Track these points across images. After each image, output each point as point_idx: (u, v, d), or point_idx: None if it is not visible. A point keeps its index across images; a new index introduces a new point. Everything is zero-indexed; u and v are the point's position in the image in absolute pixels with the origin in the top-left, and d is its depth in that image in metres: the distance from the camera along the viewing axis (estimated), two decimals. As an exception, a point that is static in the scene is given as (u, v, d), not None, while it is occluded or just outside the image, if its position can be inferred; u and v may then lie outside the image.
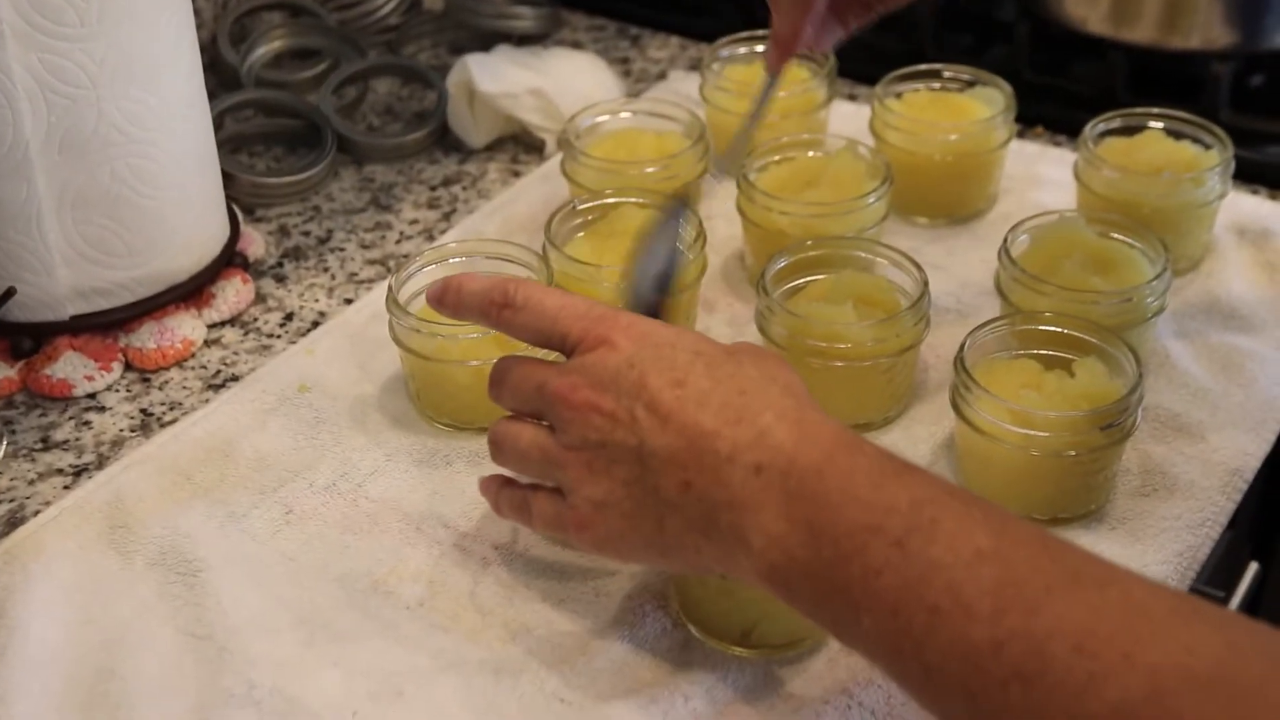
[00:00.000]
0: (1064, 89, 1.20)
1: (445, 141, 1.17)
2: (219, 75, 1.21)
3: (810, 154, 1.02)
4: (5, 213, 0.90)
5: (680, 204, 0.86)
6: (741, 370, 0.68)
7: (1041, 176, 1.10)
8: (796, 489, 0.63)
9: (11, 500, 0.85)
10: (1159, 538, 0.81)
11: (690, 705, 0.72)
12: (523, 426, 0.73)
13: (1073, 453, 0.78)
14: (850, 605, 0.61)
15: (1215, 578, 0.88)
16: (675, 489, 0.66)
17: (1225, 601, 0.98)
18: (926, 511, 0.60)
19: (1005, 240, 0.91)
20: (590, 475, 0.69)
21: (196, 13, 0.95)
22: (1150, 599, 0.57)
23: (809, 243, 0.91)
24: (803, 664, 0.74)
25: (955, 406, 0.80)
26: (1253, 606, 1.00)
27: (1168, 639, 0.54)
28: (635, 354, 0.68)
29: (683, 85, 1.22)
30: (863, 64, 1.19)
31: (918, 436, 0.88)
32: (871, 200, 0.95)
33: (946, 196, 1.05)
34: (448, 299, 0.76)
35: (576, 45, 1.29)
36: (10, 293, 0.92)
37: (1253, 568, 1.01)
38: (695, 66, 1.25)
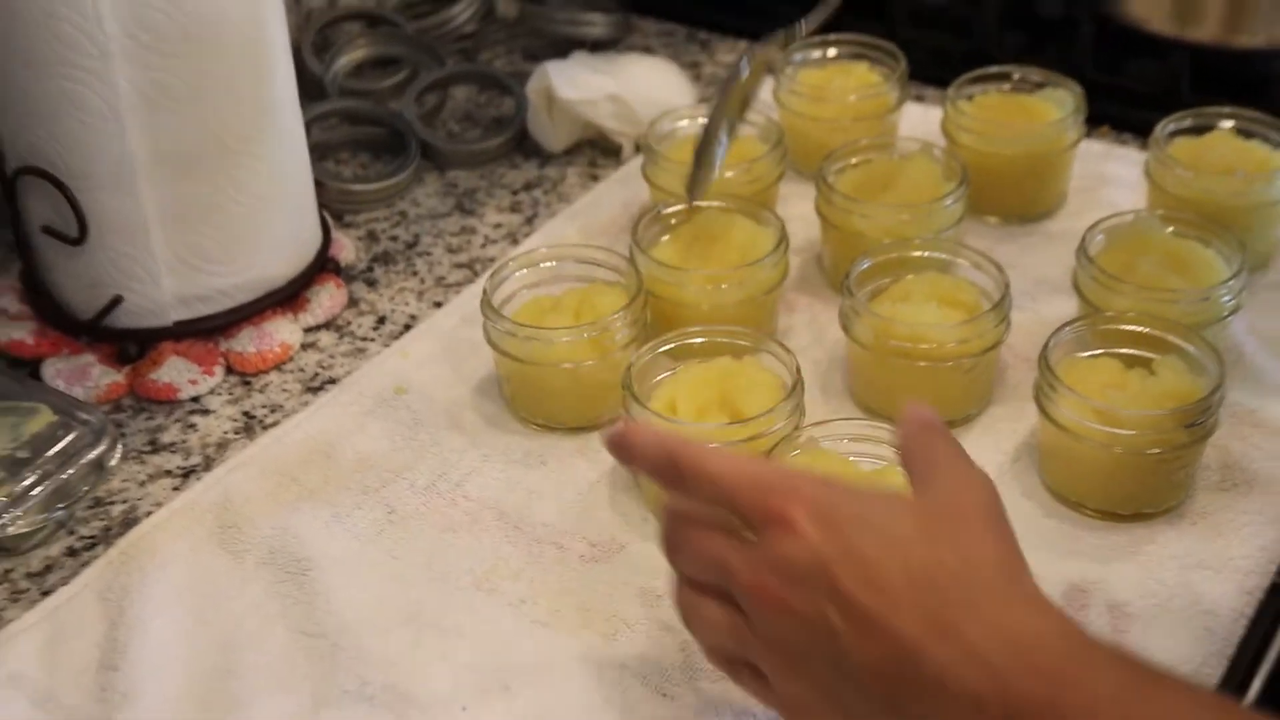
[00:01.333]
0: (1127, 88, 1.19)
1: (524, 146, 1.17)
2: (304, 85, 1.19)
3: (885, 157, 1.02)
4: (112, 224, 0.91)
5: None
6: (939, 558, 0.60)
7: (1109, 175, 1.09)
8: None
9: (124, 501, 0.86)
10: (1240, 532, 0.81)
11: None
12: (709, 604, 0.65)
13: (1156, 451, 0.78)
14: None
15: None
16: (882, 705, 0.59)
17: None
18: None
19: (1083, 240, 0.91)
20: (789, 670, 0.63)
21: None
22: None
23: (890, 244, 0.91)
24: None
25: (1040, 404, 0.80)
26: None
27: None
28: (821, 548, 0.60)
29: (753, 89, 1.21)
30: (928, 67, 1.19)
31: (1000, 434, 0.87)
32: (949, 202, 0.95)
33: (1018, 196, 1.05)
34: (616, 451, 0.69)
35: (648, 50, 1.29)
36: (117, 300, 0.93)
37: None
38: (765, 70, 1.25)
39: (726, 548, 0.63)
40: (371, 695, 0.73)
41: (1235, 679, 0.76)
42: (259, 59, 0.92)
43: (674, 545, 0.67)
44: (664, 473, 0.66)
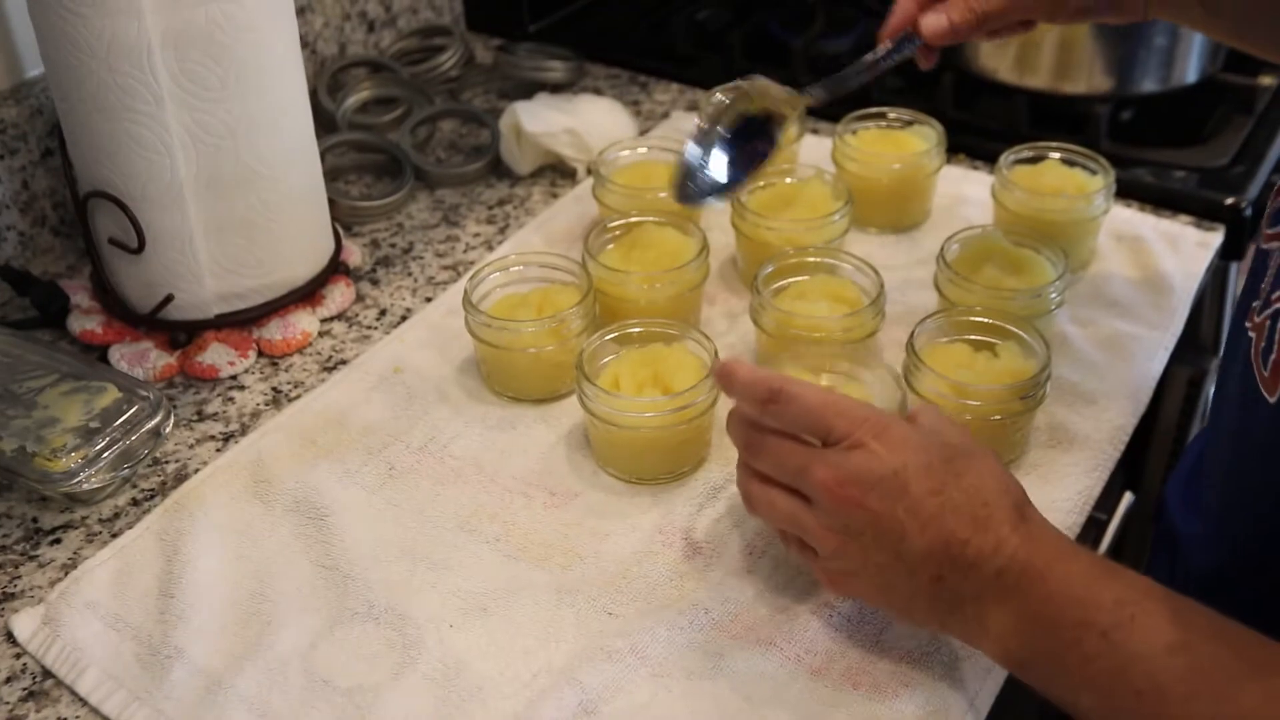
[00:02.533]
0: (979, 124, 1.20)
1: (498, 170, 1.17)
2: (319, 120, 1.19)
3: (787, 180, 1.02)
4: (165, 237, 0.91)
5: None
6: (982, 483, 0.65)
7: (965, 195, 1.10)
8: (1027, 590, 0.62)
9: (177, 461, 0.86)
10: (1064, 480, 0.82)
11: (709, 615, 0.73)
12: (777, 494, 0.68)
13: (998, 417, 0.79)
14: (1071, 685, 0.61)
15: (1101, 505, 0.89)
16: (927, 581, 0.64)
17: (1106, 523, 0.99)
18: (1127, 609, 0.60)
19: (942, 248, 0.91)
20: (845, 552, 0.66)
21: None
22: None
23: (790, 251, 0.92)
24: (792, 579, 0.75)
25: (907, 381, 0.81)
26: (1125, 526, 1.01)
27: None
28: (899, 463, 0.64)
29: (682, 123, 1.21)
30: (825, 106, 1.19)
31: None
32: (837, 218, 0.96)
33: (892, 212, 1.05)
34: (722, 382, 0.70)
35: (598, 91, 1.29)
36: (169, 299, 0.93)
37: (1127, 497, 1.02)
38: (692, 107, 1.25)
39: (807, 455, 0.66)
40: (376, 615, 0.73)
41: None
42: (283, 102, 0.91)
43: (754, 448, 0.69)
44: (764, 399, 0.67)
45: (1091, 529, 0.91)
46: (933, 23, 0.86)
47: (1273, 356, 0.67)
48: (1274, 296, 0.69)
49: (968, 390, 0.79)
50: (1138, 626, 0.59)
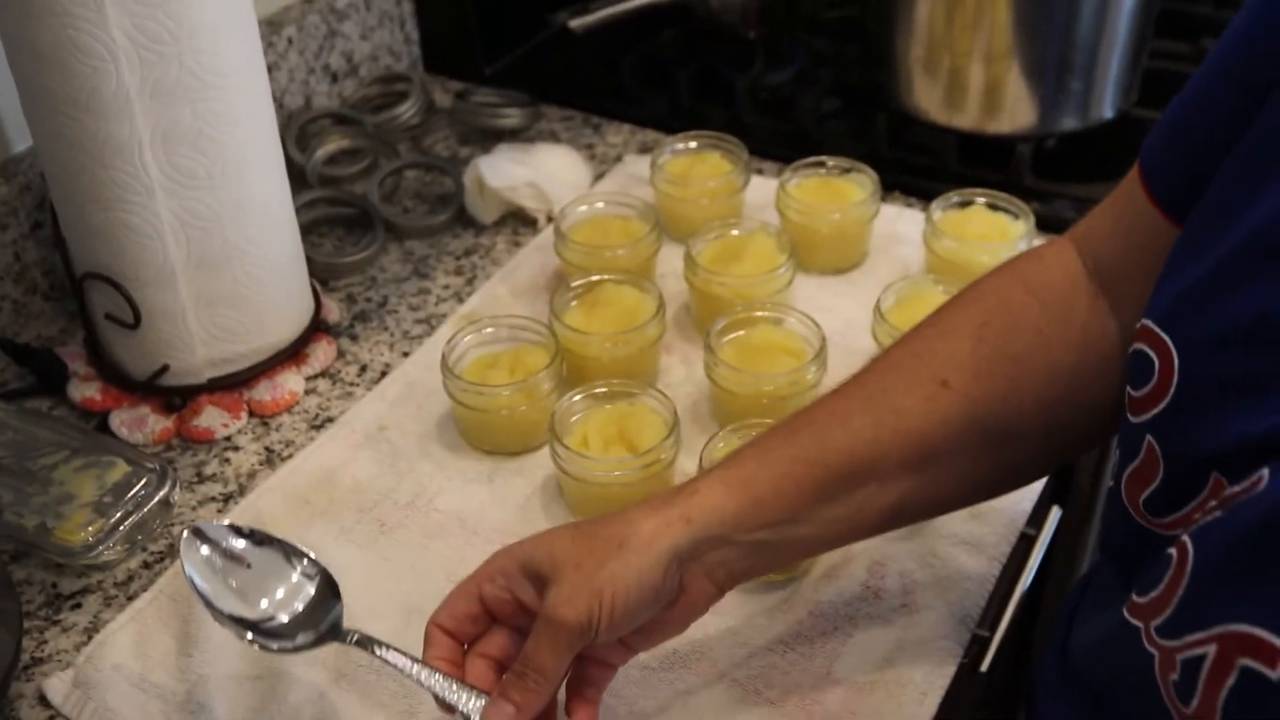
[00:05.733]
0: (913, 161, 1.27)
1: (463, 219, 1.23)
2: (289, 172, 1.24)
3: (734, 232, 1.09)
4: (158, 312, 0.97)
5: None
6: None
7: (900, 234, 1.17)
8: None
9: (183, 522, 0.93)
10: (989, 516, 0.91)
11: (676, 654, 0.81)
12: None
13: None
14: None
15: (1030, 521, 0.96)
16: None
17: (1034, 539, 1.08)
18: None
19: (878, 301, 0.99)
20: None
21: None
22: None
23: (739, 308, 1.00)
24: (751, 618, 0.84)
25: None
26: (1054, 541, 1.10)
27: None
28: None
29: (635, 168, 1.28)
30: (764, 144, 1.28)
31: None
32: (782, 271, 1.04)
33: (832, 256, 1.13)
34: None
35: (553, 134, 1.36)
36: (164, 368, 1.00)
37: (1055, 512, 1.11)
38: (642, 149, 1.32)
39: None
40: (378, 667, 0.80)
41: (986, 622, 0.88)
42: (265, 183, 0.98)
43: None
44: None
45: (1022, 545, 1.00)
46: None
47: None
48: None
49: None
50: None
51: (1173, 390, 0.60)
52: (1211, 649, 0.53)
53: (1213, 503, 0.58)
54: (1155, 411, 0.62)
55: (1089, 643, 0.72)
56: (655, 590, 0.68)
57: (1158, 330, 0.63)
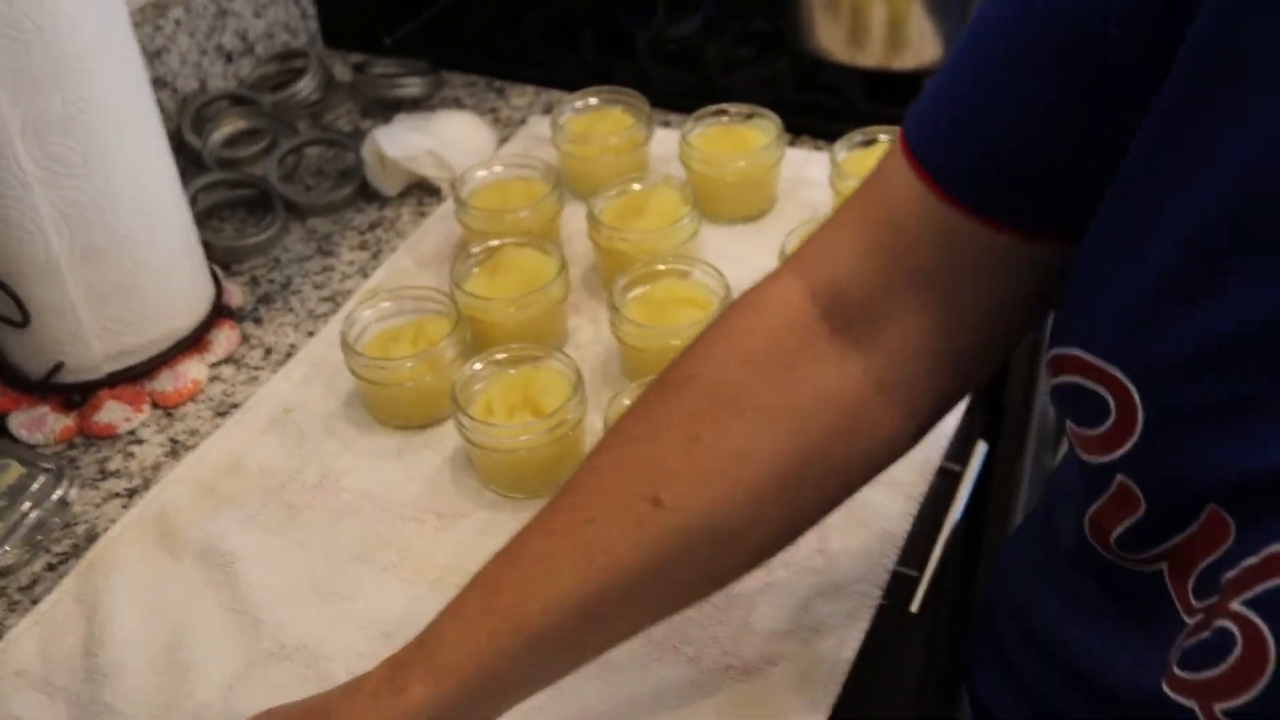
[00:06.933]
0: (819, 103, 1.26)
1: (366, 193, 1.21)
2: (186, 158, 1.24)
3: (635, 187, 1.08)
4: (47, 309, 0.95)
5: None
6: None
7: (807, 178, 1.16)
8: None
9: (86, 522, 0.91)
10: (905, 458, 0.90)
11: None
12: None
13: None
14: None
15: (951, 454, 0.96)
16: None
17: (960, 476, 1.08)
18: None
19: (783, 245, 0.99)
20: None
21: (162, 108, 0.96)
22: None
23: (642, 263, 0.99)
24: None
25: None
26: (983, 478, 1.10)
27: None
28: None
29: (538, 129, 1.26)
30: (670, 97, 1.26)
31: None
32: (685, 222, 1.03)
33: (739, 204, 1.12)
34: None
35: (456, 101, 1.34)
36: (59, 366, 0.98)
37: (982, 446, 1.11)
38: (547, 110, 1.30)
39: None
40: (289, 654, 0.79)
41: (913, 562, 0.87)
42: (147, 167, 0.96)
43: None
44: None
45: (946, 482, 1.00)
46: None
47: None
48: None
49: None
50: None
51: (1139, 426, 0.54)
52: None
53: (1252, 560, 0.50)
54: (1124, 450, 0.55)
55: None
56: None
57: (1099, 364, 0.55)
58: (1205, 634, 0.53)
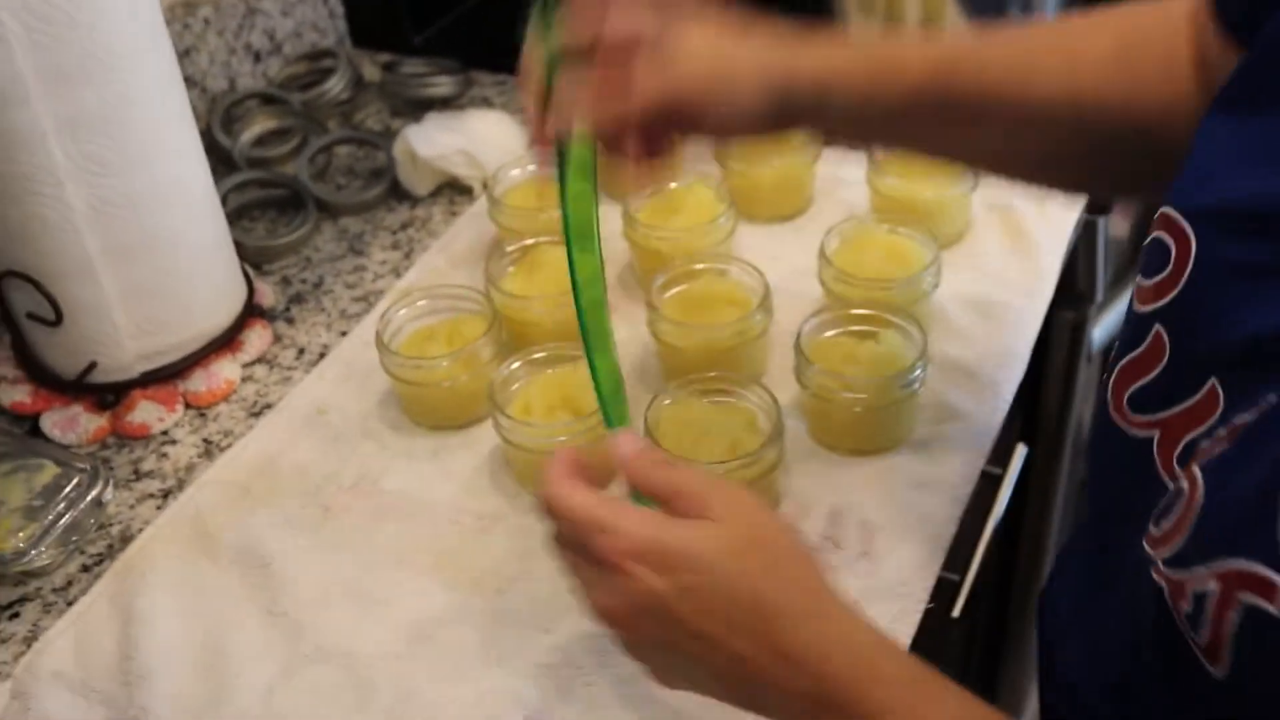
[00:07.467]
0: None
1: (397, 192, 1.21)
2: (216, 157, 1.23)
3: (672, 185, 1.07)
4: (81, 308, 0.94)
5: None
6: (758, 588, 0.59)
7: (843, 177, 1.15)
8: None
9: (120, 523, 0.90)
10: (954, 453, 0.89)
11: None
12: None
13: (882, 406, 0.86)
14: None
15: (993, 459, 0.94)
16: (735, 686, 0.61)
17: (1000, 479, 1.06)
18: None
19: (822, 244, 0.97)
20: (651, 662, 0.64)
21: (192, 107, 0.97)
22: None
23: (679, 261, 0.97)
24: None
25: (798, 379, 0.88)
26: (1023, 478, 1.09)
27: None
28: (655, 586, 0.59)
29: (571, 128, 1.25)
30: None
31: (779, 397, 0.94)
32: (721, 221, 1.02)
33: (777, 204, 1.11)
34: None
35: (486, 101, 1.33)
36: (93, 365, 0.97)
37: (1021, 449, 1.10)
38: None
39: (586, 575, 0.62)
40: (328, 657, 0.78)
41: (955, 566, 0.86)
42: (181, 169, 0.95)
43: (559, 556, 0.65)
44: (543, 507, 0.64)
45: (987, 485, 0.99)
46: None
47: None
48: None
49: (854, 384, 0.85)
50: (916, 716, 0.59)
51: (1186, 275, 0.58)
52: (1215, 585, 0.50)
53: (1222, 430, 0.54)
54: (1168, 299, 0.59)
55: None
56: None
57: (1176, 216, 0.59)
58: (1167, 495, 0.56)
